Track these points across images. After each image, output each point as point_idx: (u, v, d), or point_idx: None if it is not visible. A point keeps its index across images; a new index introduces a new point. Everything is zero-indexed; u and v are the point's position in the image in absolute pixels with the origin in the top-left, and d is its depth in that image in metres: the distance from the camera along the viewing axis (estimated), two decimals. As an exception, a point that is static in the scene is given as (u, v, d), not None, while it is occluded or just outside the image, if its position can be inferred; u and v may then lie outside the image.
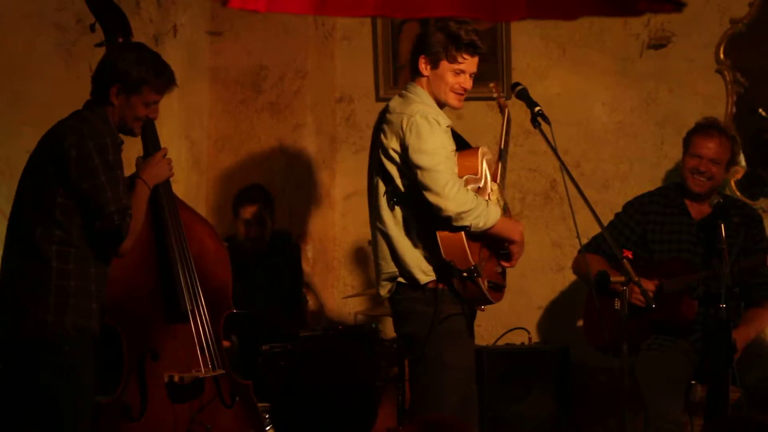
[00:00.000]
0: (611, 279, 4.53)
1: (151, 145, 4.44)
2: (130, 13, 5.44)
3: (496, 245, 4.55)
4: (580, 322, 5.54)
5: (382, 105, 6.32)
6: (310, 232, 6.32)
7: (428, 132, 4.38)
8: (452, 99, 4.49)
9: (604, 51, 6.01)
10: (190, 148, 6.11)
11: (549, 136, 4.51)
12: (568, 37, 6.00)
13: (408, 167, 4.43)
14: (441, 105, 4.51)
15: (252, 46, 6.26)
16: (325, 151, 6.38)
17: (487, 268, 4.49)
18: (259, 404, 4.65)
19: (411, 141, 4.40)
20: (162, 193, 4.42)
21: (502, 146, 4.67)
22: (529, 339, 5.80)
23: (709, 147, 5.13)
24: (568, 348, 5.66)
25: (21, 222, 4.09)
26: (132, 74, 4.09)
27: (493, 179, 4.56)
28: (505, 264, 4.60)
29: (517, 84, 4.60)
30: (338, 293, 6.26)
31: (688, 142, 5.23)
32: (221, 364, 4.53)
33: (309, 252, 6.29)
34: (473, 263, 4.37)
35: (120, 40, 4.40)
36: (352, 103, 6.40)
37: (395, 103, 4.53)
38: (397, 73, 6.29)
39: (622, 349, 4.35)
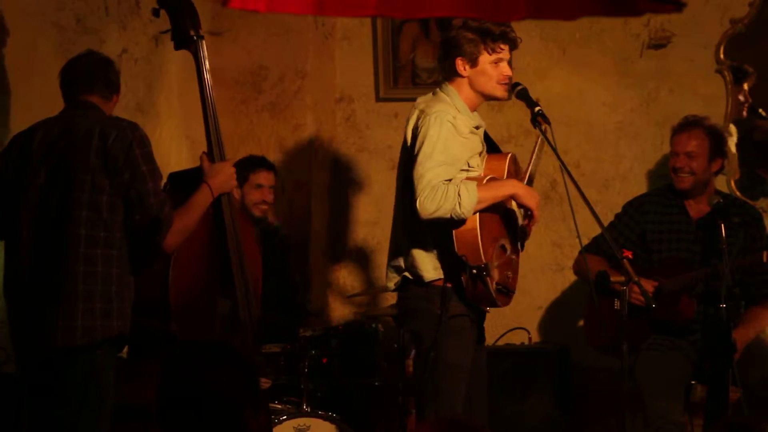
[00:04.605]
0: (611, 279, 4.54)
1: (217, 149, 4.34)
2: (130, 14, 5.46)
3: (511, 236, 4.59)
4: (581, 322, 5.54)
5: (382, 105, 6.40)
6: (310, 232, 6.32)
7: (435, 135, 4.42)
8: (500, 90, 4.57)
9: (604, 51, 6.01)
10: (190, 148, 6.10)
11: (549, 136, 4.52)
12: (568, 37, 6.00)
13: (411, 162, 4.47)
14: (483, 100, 4.60)
15: (252, 46, 6.26)
16: (325, 150, 6.38)
17: (498, 270, 4.49)
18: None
19: (419, 139, 4.46)
20: (225, 200, 4.30)
21: (531, 169, 4.67)
22: (529, 339, 5.81)
23: (682, 142, 5.17)
24: (568, 348, 5.67)
25: (57, 225, 3.99)
26: (118, 82, 4.26)
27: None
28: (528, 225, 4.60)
29: (517, 84, 4.60)
30: (338, 293, 6.26)
31: (670, 142, 5.30)
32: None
33: (309, 252, 6.29)
34: (485, 261, 4.36)
35: (191, 33, 4.34)
36: (352, 103, 6.40)
37: (423, 98, 4.60)
38: (397, 73, 6.29)
39: (622, 349, 4.36)
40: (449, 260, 4.43)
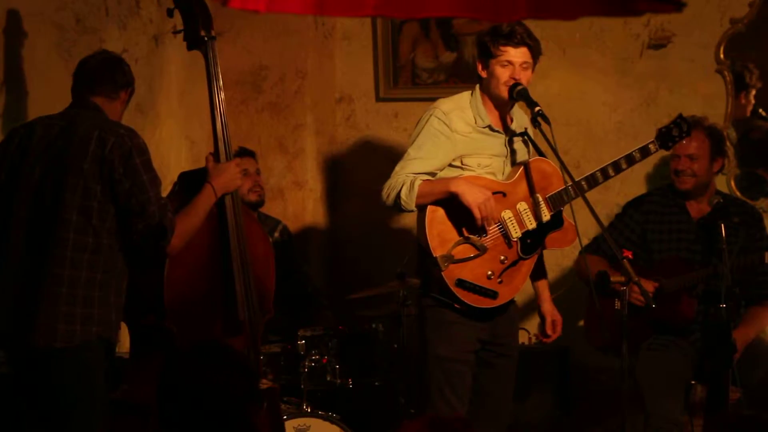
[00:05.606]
0: (611, 279, 4.54)
1: (225, 149, 4.34)
2: (130, 14, 5.45)
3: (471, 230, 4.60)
4: (581, 322, 5.54)
5: (382, 105, 6.40)
6: (311, 232, 6.32)
7: (417, 131, 4.64)
8: (504, 91, 4.60)
9: (604, 51, 6.01)
10: (190, 148, 6.10)
11: (549, 136, 4.52)
12: (568, 37, 6.00)
13: None
14: (503, 102, 4.64)
15: (252, 46, 6.26)
16: (325, 151, 6.38)
17: (469, 267, 4.54)
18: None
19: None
20: (230, 200, 4.31)
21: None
22: (529, 339, 5.80)
23: (683, 145, 5.15)
24: (568, 348, 5.66)
25: (46, 225, 3.99)
26: (131, 79, 4.26)
27: (543, 193, 4.65)
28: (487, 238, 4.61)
29: (517, 84, 4.60)
30: (339, 293, 6.25)
31: None
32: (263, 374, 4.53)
33: (309, 252, 6.29)
34: (435, 254, 4.49)
35: (202, 34, 4.32)
36: (352, 103, 6.40)
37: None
38: (397, 73, 6.29)
39: (622, 349, 4.36)
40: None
